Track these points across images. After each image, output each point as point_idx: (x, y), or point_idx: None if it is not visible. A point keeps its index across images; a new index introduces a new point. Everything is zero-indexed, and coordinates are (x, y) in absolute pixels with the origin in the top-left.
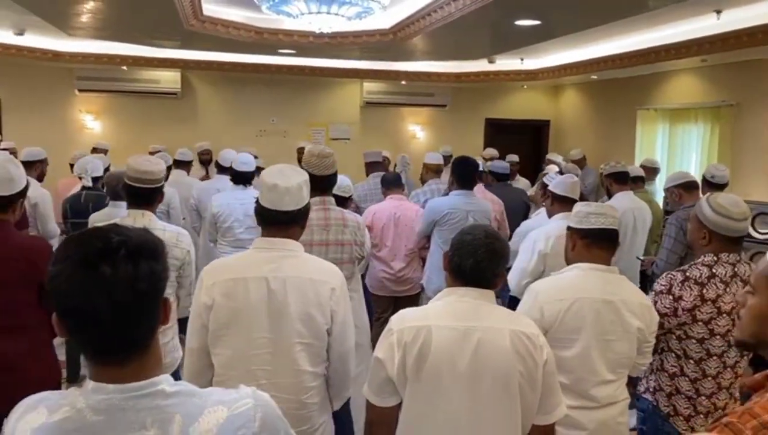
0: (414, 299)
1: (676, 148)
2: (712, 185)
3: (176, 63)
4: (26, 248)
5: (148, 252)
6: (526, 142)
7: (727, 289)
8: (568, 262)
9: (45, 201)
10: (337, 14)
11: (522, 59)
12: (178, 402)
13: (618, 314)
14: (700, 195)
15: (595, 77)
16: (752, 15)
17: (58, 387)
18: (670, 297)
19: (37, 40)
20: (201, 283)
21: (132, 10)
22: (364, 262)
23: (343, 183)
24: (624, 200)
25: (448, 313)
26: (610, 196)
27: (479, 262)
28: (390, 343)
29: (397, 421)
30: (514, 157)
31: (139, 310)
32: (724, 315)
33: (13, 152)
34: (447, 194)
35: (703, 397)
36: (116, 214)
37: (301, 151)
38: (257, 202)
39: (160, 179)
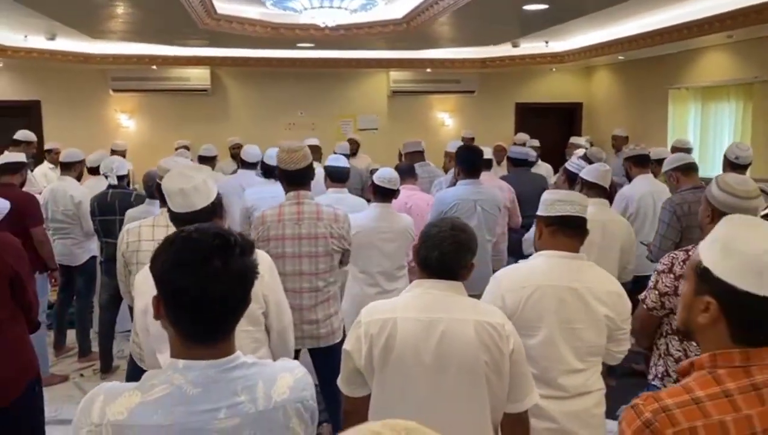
0: None
1: (709, 127)
2: (736, 166)
3: (205, 60)
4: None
5: (248, 248)
6: (557, 125)
7: None
8: (536, 250)
9: (86, 200)
10: (340, 7)
11: (547, 42)
12: (257, 371)
13: (583, 302)
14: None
15: (621, 58)
16: None
17: (38, 383)
18: (672, 276)
19: (69, 44)
20: (136, 288)
21: (146, 15)
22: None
23: (389, 174)
24: (643, 184)
25: (415, 305)
26: (630, 179)
27: (445, 254)
28: (357, 336)
29: (367, 409)
30: (535, 142)
31: (243, 299)
32: None
33: (57, 152)
34: (454, 184)
35: None
36: (151, 211)
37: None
38: (169, 210)
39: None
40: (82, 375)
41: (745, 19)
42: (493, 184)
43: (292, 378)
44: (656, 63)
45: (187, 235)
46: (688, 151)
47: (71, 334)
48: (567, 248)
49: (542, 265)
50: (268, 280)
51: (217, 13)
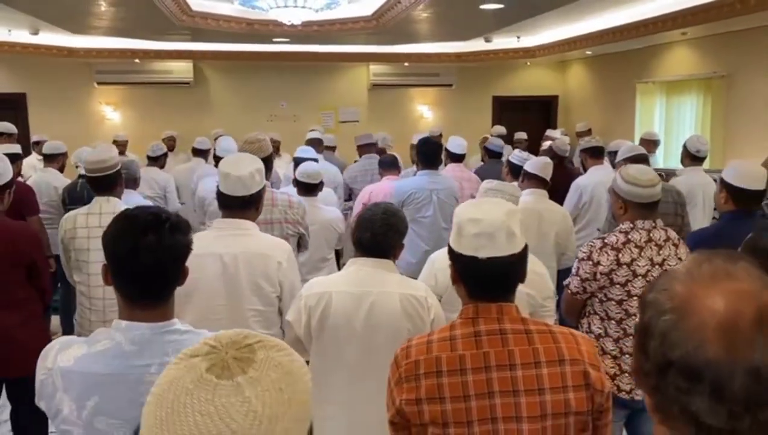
0: None
1: (673, 120)
2: (696, 159)
3: (187, 54)
4: (11, 233)
5: (182, 228)
6: (534, 118)
7: (642, 253)
8: None
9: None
10: (304, 6)
11: (518, 37)
12: (188, 338)
13: None
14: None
15: (589, 53)
16: None
17: None
18: (590, 262)
19: (53, 37)
20: None
21: (124, 13)
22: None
23: (309, 169)
24: (597, 174)
25: (348, 280)
26: (585, 170)
27: (376, 236)
28: (298, 308)
29: None
30: (522, 135)
31: (168, 268)
32: (639, 277)
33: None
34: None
35: (627, 356)
36: (125, 200)
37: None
38: (218, 187)
39: (112, 166)
40: None
41: (700, 17)
42: (462, 176)
43: None
44: (625, 57)
45: (128, 213)
46: (656, 142)
47: (55, 319)
48: None
49: None
50: (285, 266)
51: (192, 11)
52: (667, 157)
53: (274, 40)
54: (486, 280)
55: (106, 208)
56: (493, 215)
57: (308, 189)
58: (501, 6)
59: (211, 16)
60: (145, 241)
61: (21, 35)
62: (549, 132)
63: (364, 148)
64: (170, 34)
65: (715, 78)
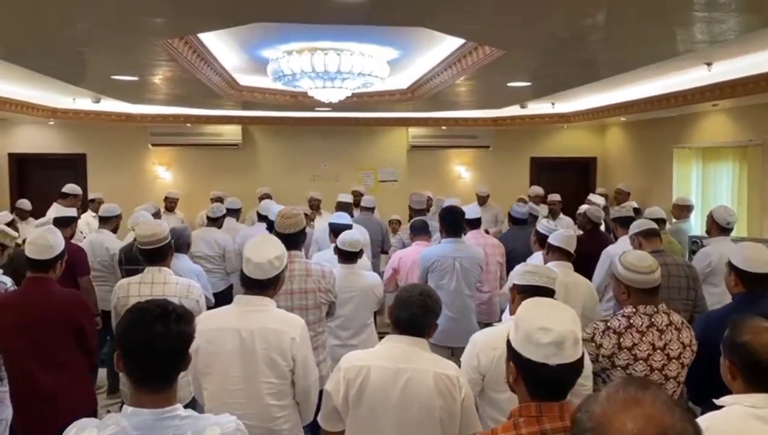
0: None
1: (709, 186)
2: (725, 230)
3: (236, 119)
4: (64, 300)
5: (186, 318)
6: (572, 179)
7: (643, 338)
8: (511, 314)
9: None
10: (341, 87)
11: (553, 103)
12: (188, 423)
13: None
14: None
15: (623, 119)
16: (741, 66)
17: (94, 414)
18: (593, 344)
19: (112, 105)
20: None
21: (176, 89)
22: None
23: (351, 238)
24: (625, 244)
25: (385, 355)
26: (616, 238)
27: (413, 316)
28: (337, 379)
29: None
30: (556, 197)
31: (171, 357)
32: (641, 361)
33: (100, 202)
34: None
35: None
36: (175, 264)
37: (356, 194)
38: (241, 269)
39: (163, 238)
40: (108, 411)
41: (727, 91)
42: (485, 243)
43: (219, 431)
44: (661, 123)
45: (139, 306)
46: (689, 208)
47: (102, 372)
48: None
49: None
50: (299, 342)
51: (240, 85)
52: (703, 223)
53: (317, 109)
54: (553, 384)
55: (158, 278)
56: (562, 325)
57: (349, 257)
58: (528, 84)
59: (257, 90)
60: (154, 331)
61: (84, 103)
62: (591, 196)
63: (416, 213)
64: (220, 104)
65: (751, 146)
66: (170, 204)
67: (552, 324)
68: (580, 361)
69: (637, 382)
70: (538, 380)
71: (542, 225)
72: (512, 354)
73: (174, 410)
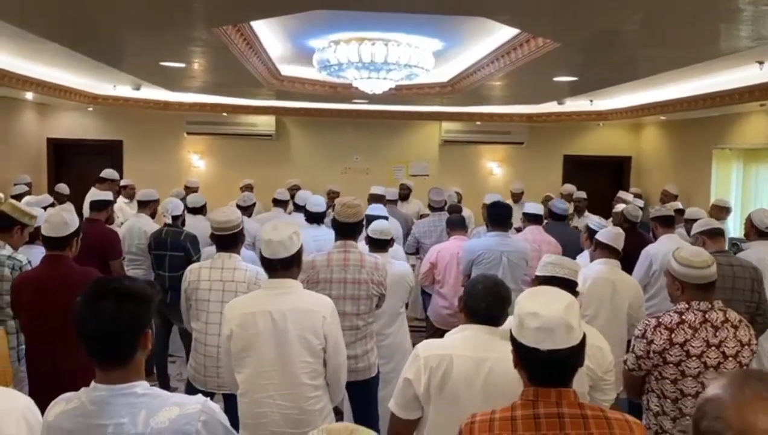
0: None
1: (750, 187)
2: (763, 234)
3: (270, 110)
4: (81, 278)
5: (133, 297)
6: (606, 177)
7: (696, 334)
8: None
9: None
10: (386, 78)
11: (591, 101)
12: (145, 401)
13: None
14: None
15: (663, 118)
16: None
17: None
18: (644, 340)
19: (151, 92)
20: (224, 317)
21: (219, 77)
22: (383, 299)
23: (382, 226)
24: (667, 243)
25: (465, 345)
26: (656, 237)
27: (491, 306)
28: (418, 367)
29: (414, 431)
30: (582, 194)
31: (119, 336)
32: (694, 358)
33: (132, 188)
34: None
35: None
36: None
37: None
38: (260, 253)
39: (236, 226)
40: None
41: None
42: (542, 239)
43: (178, 411)
44: (700, 123)
45: (94, 283)
46: (727, 210)
47: None
48: None
49: None
50: (329, 320)
51: (281, 75)
52: (742, 225)
53: (354, 100)
54: (546, 369)
55: (228, 264)
56: (552, 311)
57: (380, 245)
58: (575, 78)
59: (298, 80)
60: (102, 310)
61: (124, 90)
62: (621, 193)
63: (374, 198)
64: (257, 93)
65: None
66: (190, 192)
67: (542, 310)
68: (575, 348)
69: (755, 376)
70: (533, 365)
71: (594, 222)
72: (512, 340)
73: (131, 387)
